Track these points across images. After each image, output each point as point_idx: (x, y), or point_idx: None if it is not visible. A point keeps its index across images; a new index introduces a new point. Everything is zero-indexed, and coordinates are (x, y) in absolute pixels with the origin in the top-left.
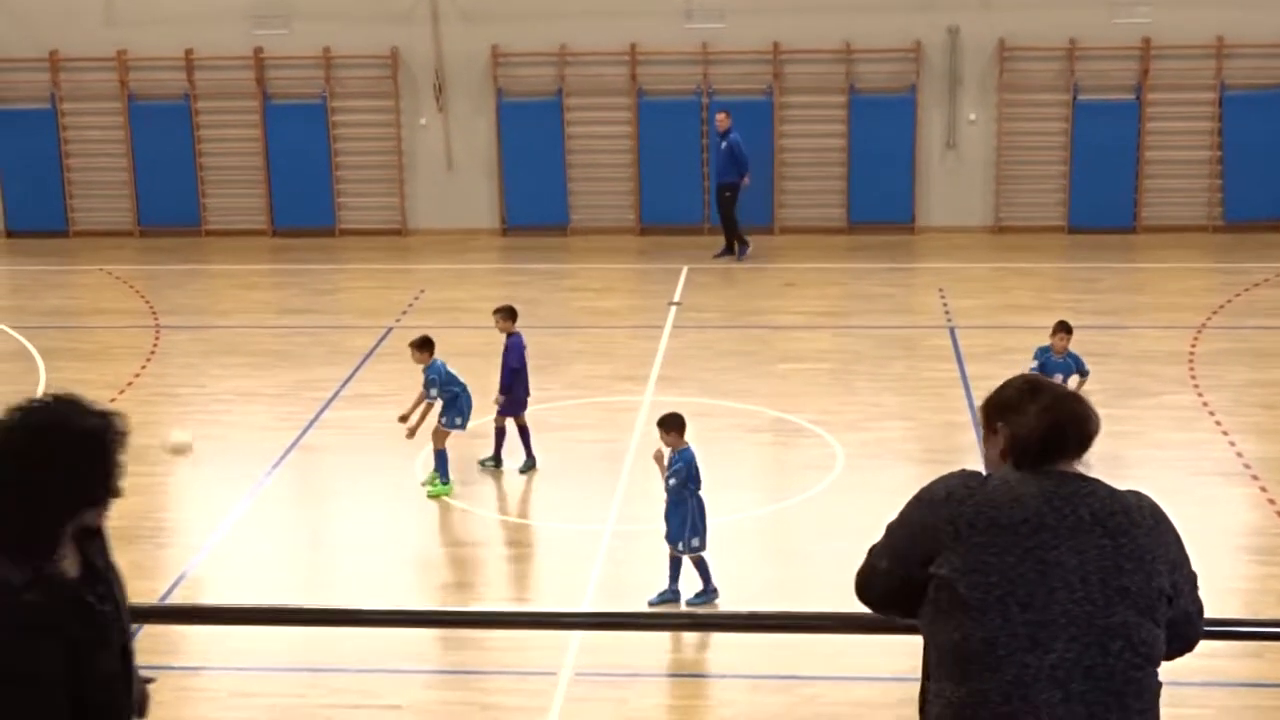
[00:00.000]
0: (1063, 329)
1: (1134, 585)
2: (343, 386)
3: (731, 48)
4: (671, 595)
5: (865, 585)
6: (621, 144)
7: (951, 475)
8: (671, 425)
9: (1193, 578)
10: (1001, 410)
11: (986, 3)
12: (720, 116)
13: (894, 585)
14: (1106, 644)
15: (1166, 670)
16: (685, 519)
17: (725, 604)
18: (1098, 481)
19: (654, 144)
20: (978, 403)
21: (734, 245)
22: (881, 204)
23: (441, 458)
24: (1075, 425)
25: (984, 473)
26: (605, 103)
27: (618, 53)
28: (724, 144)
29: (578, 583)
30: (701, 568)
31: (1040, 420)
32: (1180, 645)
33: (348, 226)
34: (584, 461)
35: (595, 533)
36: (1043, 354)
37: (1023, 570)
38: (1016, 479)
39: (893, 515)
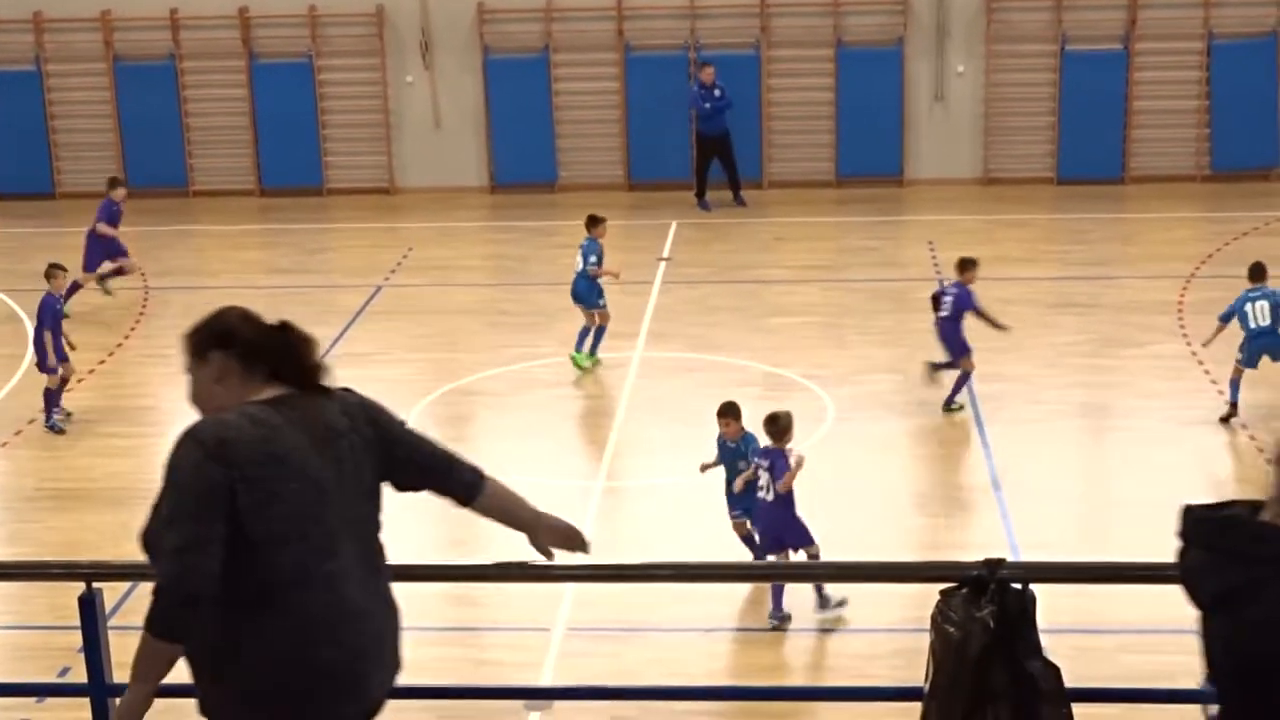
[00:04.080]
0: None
1: (365, 476)
2: (333, 346)
3: (719, 1)
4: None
5: (186, 580)
6: (609, 100)
7: (203, 425)
8: (729, 412)
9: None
10: (221, 338)
11: None
12: (710, 70)
13: (220, 555)
14: (363, 533)
15: (1155, 620)
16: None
17: (715, 558)
18: (320, 391)
19: (642, 100)
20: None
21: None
22: (870, 157)
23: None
24: (302, 347)
25: (235, 414)
26: (593, 58)
27: (605, 8)
28: (718, 92)
29: None
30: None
31: (271, 342)
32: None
33: (335, 186)
34: (574, 418)
35: (586, 488)
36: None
37: (305, 492)
38: (262, 411)
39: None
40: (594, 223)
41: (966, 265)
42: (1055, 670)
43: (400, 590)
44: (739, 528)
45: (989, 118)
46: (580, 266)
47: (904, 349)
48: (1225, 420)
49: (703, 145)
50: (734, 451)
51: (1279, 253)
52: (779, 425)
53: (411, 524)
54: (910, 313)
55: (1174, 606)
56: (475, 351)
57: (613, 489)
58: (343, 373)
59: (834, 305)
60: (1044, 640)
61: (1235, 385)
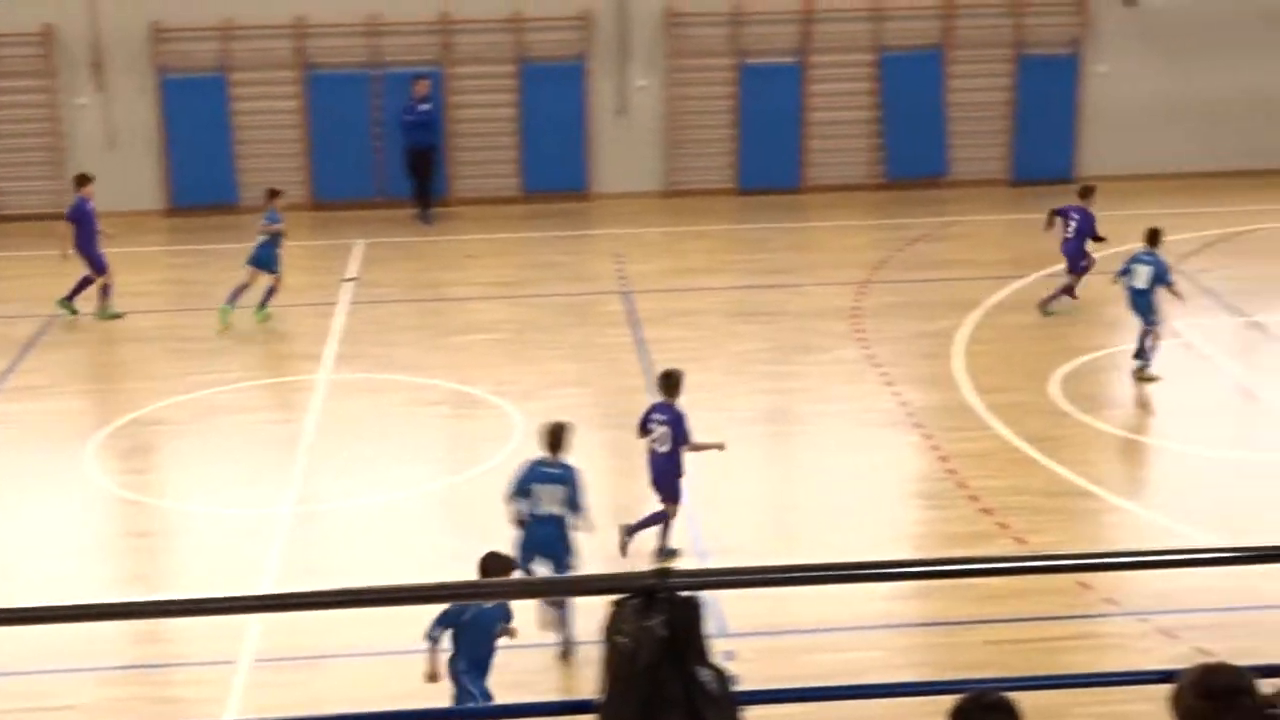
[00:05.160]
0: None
1: None
2: (3, 379)
3: (400, 19)
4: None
5: None
6: (290, 119)
7: None
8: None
9: None
10: None
11: None
12: (424, 83)
13: None
14: None
15: (839, 619)
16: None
17: (409, 578)
18: None
19: (324, 118)
20: (654, 367)
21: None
22: (555, 172)
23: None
24: None
25: None
26: (273, 77)
27: (284, 26)
28: (424, 107)
29: (258, 566)
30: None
31: None
32: None
33: (6, 212)
34: (260, 444)
35: (274, 515)
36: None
37: None
38: None
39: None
40: (273, 194)
41: (1088, 191)
42: (725, 675)
43: (80, 630)
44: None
45: (670, 130)
46: (264, 237)
47: (591, 363)
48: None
49: (411, 158)
50: (492, 614)
51: (950, 257)
52: (672, 381)
53: (90, 560)
54: (598, 326)
55: (854, 604)
56: (155, 380)
57: (303, 514)
58: (17, 407)
59: (521, 321)
60: (731, 644)
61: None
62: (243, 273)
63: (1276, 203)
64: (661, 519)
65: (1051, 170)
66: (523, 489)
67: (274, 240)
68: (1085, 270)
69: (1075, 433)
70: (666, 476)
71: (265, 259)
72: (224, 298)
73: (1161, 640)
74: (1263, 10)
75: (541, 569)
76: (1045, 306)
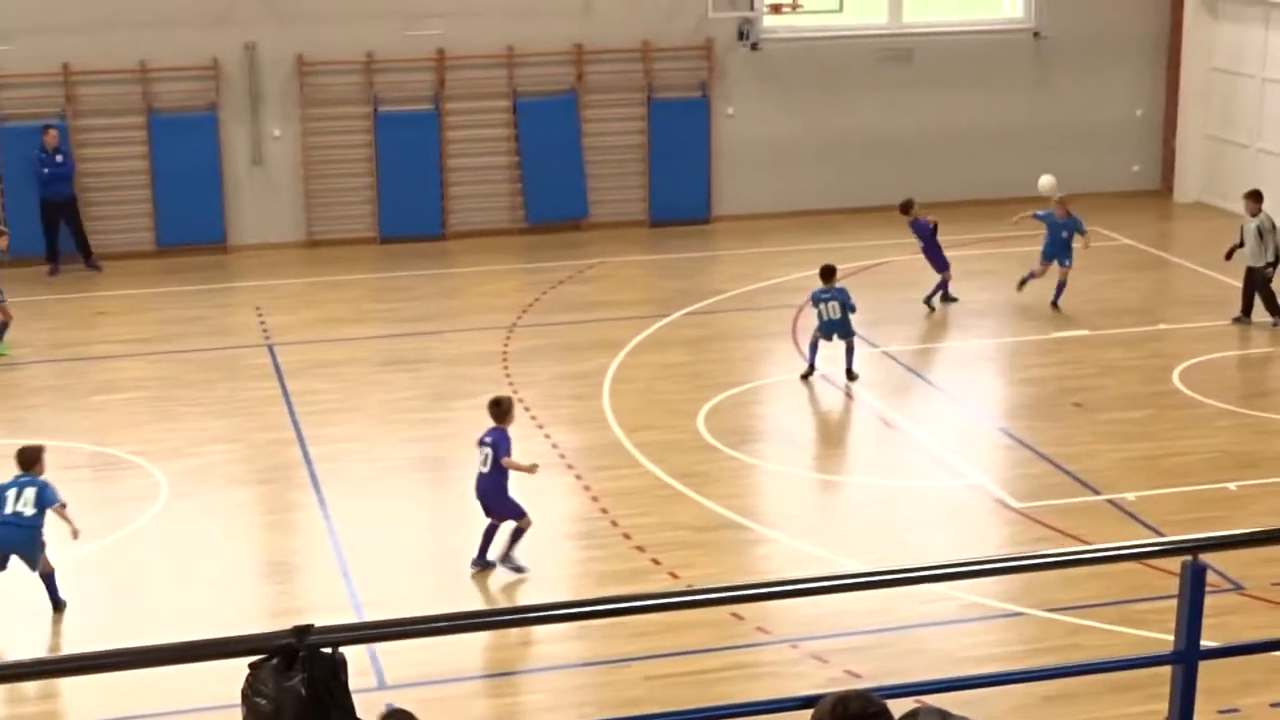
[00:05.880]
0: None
1: None
2: None
3: (18, 71)
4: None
5: None
6: None
7: None
8: None
9: None
10: None
11: (281, 18)
12: (53, 133)
13: None
14: None
15: (501, 663)
16: None
17: (62, 647)
18: None
19: None
20: (301, 418)
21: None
22: (191, 224)
23: None
24: None
25: None
26: None
27: None
28: (59, 159)
29: None
30: None
31: None
32: None
33: None
34: None
35: None
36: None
37: None
38: None
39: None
40: None
41: (908, 206)
42: None
43: None
44: None
45: (308, 180)
46: None
47: (238, 417)
48: (805, 377)
49: (47, 211)
50: None
51: (594, 298)
52: (502, 408)
53: None
54: (243, 380)
55: (514, 648)
56: None
57: None
58: None
59: (162, 378)
60: (392, 696)
61: (814, 349)
62: None
63: (898, 237)
64: (519, 536)
65: (687, 210)
66: None
67: None
68: (946, 267)
69: (722, 466)
70: (494, 496)
71: None
72: None
73: (813, 665)
74: (875, 51)
75: (18, 563)
76: (930, 301)
